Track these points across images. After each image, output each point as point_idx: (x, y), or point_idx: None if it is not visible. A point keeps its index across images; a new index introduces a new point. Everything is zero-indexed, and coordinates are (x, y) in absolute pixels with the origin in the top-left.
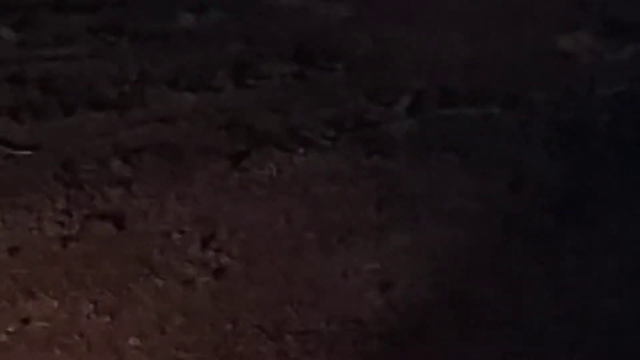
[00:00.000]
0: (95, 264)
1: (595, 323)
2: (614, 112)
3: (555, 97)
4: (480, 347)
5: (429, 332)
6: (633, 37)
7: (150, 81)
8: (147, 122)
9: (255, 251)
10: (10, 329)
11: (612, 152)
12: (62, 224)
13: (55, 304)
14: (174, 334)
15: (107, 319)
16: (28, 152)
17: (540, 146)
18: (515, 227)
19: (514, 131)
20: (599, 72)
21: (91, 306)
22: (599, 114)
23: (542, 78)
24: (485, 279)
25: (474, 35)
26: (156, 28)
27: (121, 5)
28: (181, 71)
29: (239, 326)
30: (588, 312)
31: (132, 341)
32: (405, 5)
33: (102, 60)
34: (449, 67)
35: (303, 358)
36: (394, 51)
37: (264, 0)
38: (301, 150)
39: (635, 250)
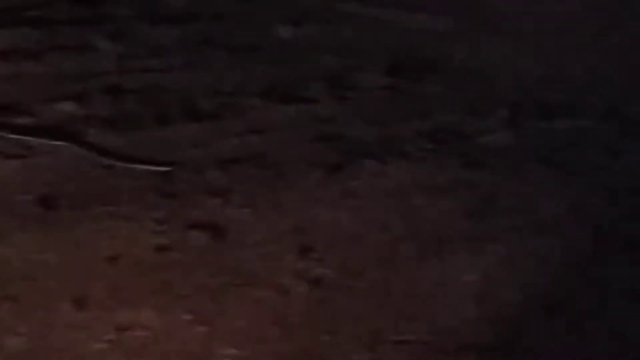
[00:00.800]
0: (192, 273)
1: None
2: None
3: None
4: (576, 358)
5: (524, 343)
6: None
7: (246, 93)
8: (243, 133)
9: (351, 261)
10: (107, 337)
11: None
12: (159, 233)
13: (153, 313)
14: (270, 344)
15: (204, 328)
16: (168, 168)
17: (633, 158)
18: (609, 237)
19: (608, 143)
20: None
21: (188, 316)
22: None
23: (636, 90)
24: (581, 289)
25: (568, 48)
26: (251, 40)
27: (217, 18)
28: (276, 83)
29: (336, 336)
30: None
31: (228, 351)
32: (500, 18)
33: (198, 72)
34: (544, 80)
35: None
36: (490, 64)
37: (359, 13)
38: (396, 161)
39: None
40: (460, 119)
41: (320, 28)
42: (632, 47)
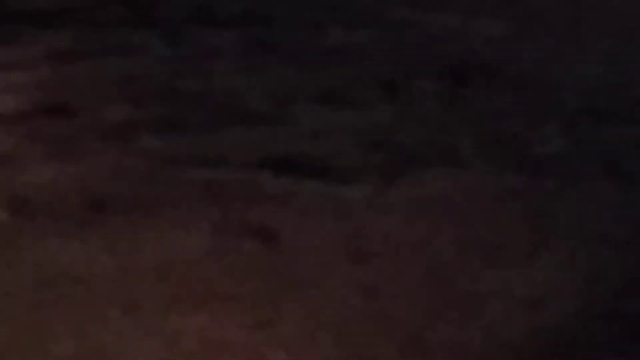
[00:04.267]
0: (246, 278)
1: None
2: None
3: None
4: None
5: (580, 351)
6: None
7: (300, 97)
8: (297, 137)
9: (404, 269)
10: (158, 343)
11: None
12: (212, 239)
13: (206, 316)
14: (323, 350)
15: (257, 333)
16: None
17: None
18: None
19: None
20: None
21: (241, 320)
22: None
23: None
24: (636, 296)
25: (627, 54)
26: (306, 44)
27: (270, 21)
28: (331, 88)
29: (388, 343)
30: None
31: (280, 355)
32: (560, 22)
33: (251, 76)
34: (603, 87)
35: None
36: (549, 70)
37: (416, 18)
38: (451, 169)
39: None
40: (517, 126)
41: (376, 32)
42: None
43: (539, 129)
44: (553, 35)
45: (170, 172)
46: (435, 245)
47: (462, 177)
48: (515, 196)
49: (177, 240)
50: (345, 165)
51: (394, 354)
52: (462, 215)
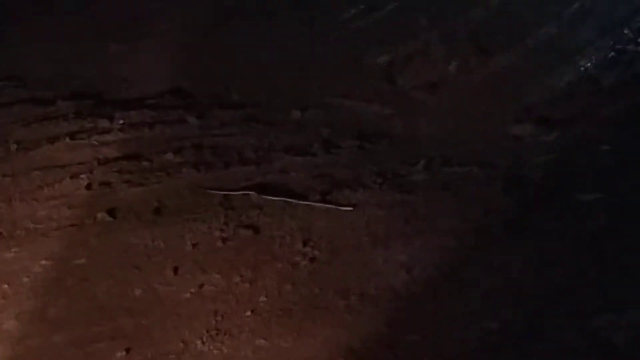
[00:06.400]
0: (242, 253)
1: None
2: None
3: (508, 162)
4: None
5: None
6: None
7: (274, 149)
8: (273, 172)
9: (334, 247)
10: (191, 291)
11: None
12: (222, 230)
13: (218, 277)
14: (285, 296)
15: (248, 285)
16: (350, 208)
17: (499, 190)
18: (484, 238)
19: (485, 181)
20: None
21: (239, 278)
22: (533, 169)
23: None
24: (466, 266)
25: (460, 125)
26: (278, 118)
27: (257, 104)
28: (293, 144)
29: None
30: None
31: (262, 298)
32: (420, 105)
33: (247, 137)
34: (447, 143)
35: None
36: (416, 133)
37: (341, 103)
38: (361, 190)
39: None
40: (397, 165)
41: (318, 112)
42: (497, 124)
43: (410, 167)
44: (417, 113)
45: (200, 193)
46: (354, 232)
47: (368, 195)
48: (395, 207)
49: (202, 231)
50: (300, 187)
51: None
52: (368, 218)
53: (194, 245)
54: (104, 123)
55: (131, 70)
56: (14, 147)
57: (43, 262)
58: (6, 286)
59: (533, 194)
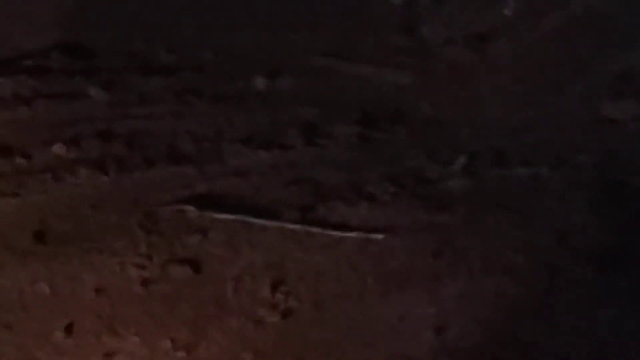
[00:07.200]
0: (173, 304)
1: None
2: None
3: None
4: None
5: None
6: None
7: (226, 139)
8: (223, 176)
9: (320, 295)
10: None
11: None
12: (143, 267)
13: (137, 340)
14: None
15: (183, 354)
16: (381, 236)
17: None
18: (559, 277)
19: (561, 190)
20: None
21: (169, 343)
22: (638, 175)
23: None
24: (532, 324)
25: (524, 102)
26: (232, 90)
27: (200, 69)
28: (255, 130)
29: None
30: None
31: None
32: (456, 70)
33: (182, 119)
34: (501, 129)
35: None
36: (451, 115)
37: (333, 67)
38: (364, 204)
39: None
40: (423, 165)
41: (296, 81)
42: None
43: (442, 169)
44: (450, 82)
45: (107, 208)
46: (349, 274)
47: (374, 212)
48: (423, 230)
49: (110, 269)
50: (266, 200)
51: None
52: (374, 246)
53: (97, 291)
54: None
55: None
56: None
57: None
58: None
59: (636, 212)
